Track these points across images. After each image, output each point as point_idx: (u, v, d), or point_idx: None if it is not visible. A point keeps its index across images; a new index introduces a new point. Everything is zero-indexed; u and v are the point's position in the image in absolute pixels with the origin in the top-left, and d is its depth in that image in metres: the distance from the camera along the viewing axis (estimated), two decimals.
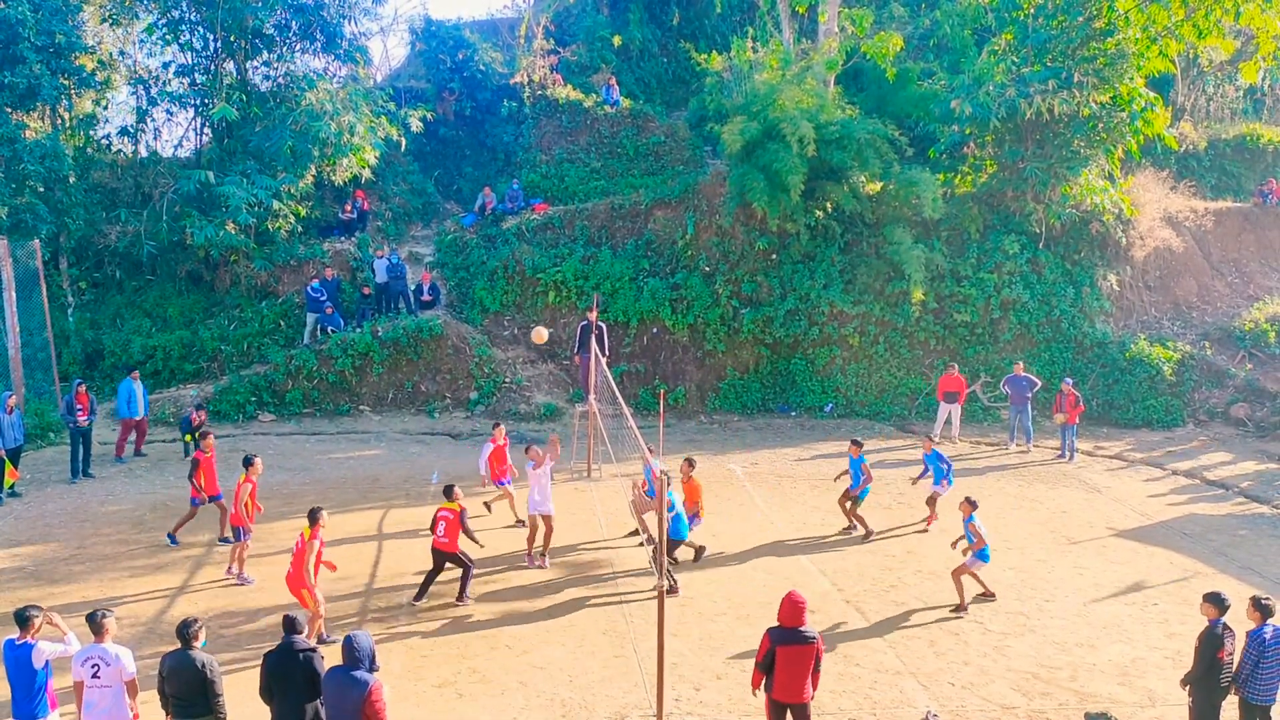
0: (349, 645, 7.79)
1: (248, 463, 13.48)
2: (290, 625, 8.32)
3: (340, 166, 25.05)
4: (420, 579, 13.08)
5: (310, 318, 23.75)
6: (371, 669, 7.80)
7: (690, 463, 14.51)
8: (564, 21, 32.11)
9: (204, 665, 8.13)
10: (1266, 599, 9.21)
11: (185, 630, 8.20)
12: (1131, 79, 23.46)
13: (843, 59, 26.70)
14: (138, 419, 19.60)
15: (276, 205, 23.83)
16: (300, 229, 25.12)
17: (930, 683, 11.00)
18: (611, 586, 13.62)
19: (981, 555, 12.89)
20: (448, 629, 12.16)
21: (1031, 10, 24.48)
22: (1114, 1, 22.79)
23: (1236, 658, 9.22)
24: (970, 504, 13.02)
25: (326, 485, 18.02)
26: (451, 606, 12.76)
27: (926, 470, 16.37)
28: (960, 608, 12.88)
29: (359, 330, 23.45)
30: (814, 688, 8.71)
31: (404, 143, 27.26)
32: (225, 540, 14.55)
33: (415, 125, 27.09)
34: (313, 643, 8.37)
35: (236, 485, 13.36)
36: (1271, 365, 23.69)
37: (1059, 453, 20.92)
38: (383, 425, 22.48)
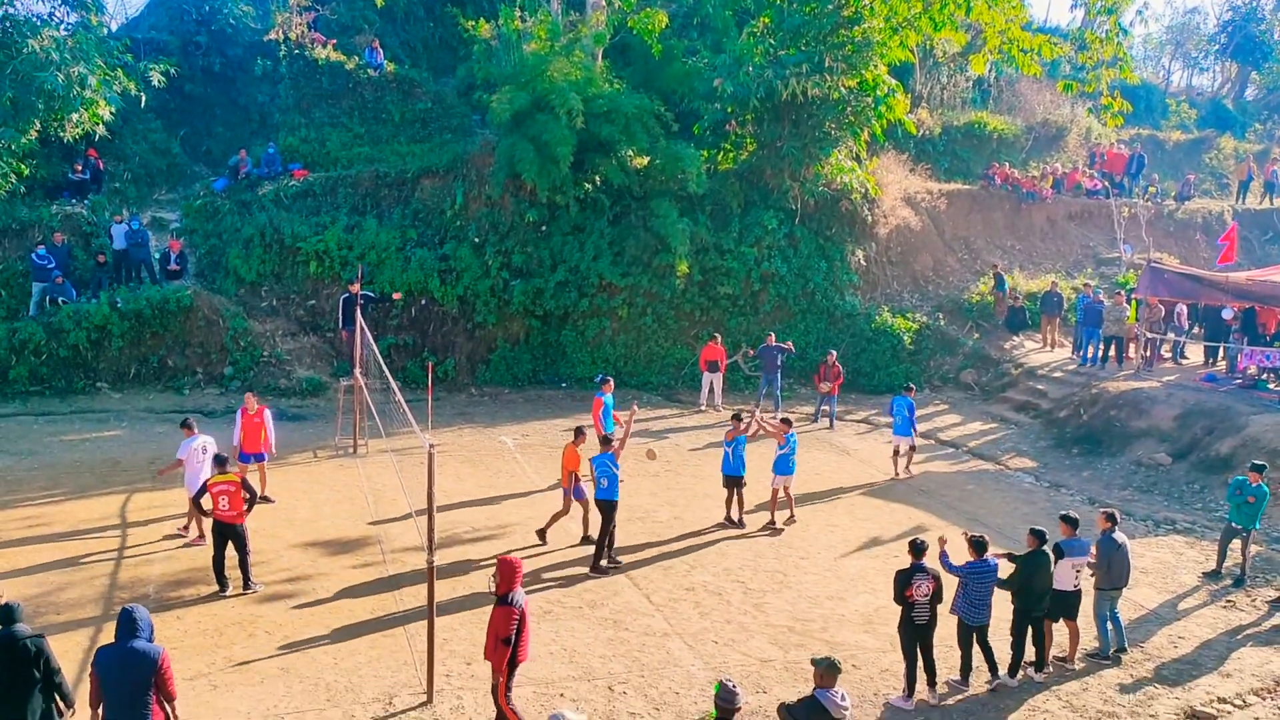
0: (129, 618, 7.42)
1: None
2: (9, 615, 7.69)
3: (70, 122, 22.80)
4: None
5: (37, 287, 21.63)
6: (150, 640, 7.49)
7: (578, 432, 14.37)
8: None
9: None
10: (979, 536, 10.65)
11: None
12: (876, 66, 25.06)
13: (610, 33, 26.93)
14: None
15: None
16: (23, 189, 22.78)
17: (695, 642, 11.43)
18: (380, 566, 13.30)
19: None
20: (200, 617, 11.48)
21: None
22: None
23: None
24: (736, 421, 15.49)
25: (59, 470, 16.56)
26: (204, 593, 12.06)
27: None
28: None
29: (94, 301, 21.60)
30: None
31: (144, 98, 25.09)
32: None
33: (157, 80, 24.99)
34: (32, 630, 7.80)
35: None
36: (995, 335, 26.05)
37: (813, 418, 22.22)
38: (124, 403, 20.85)
